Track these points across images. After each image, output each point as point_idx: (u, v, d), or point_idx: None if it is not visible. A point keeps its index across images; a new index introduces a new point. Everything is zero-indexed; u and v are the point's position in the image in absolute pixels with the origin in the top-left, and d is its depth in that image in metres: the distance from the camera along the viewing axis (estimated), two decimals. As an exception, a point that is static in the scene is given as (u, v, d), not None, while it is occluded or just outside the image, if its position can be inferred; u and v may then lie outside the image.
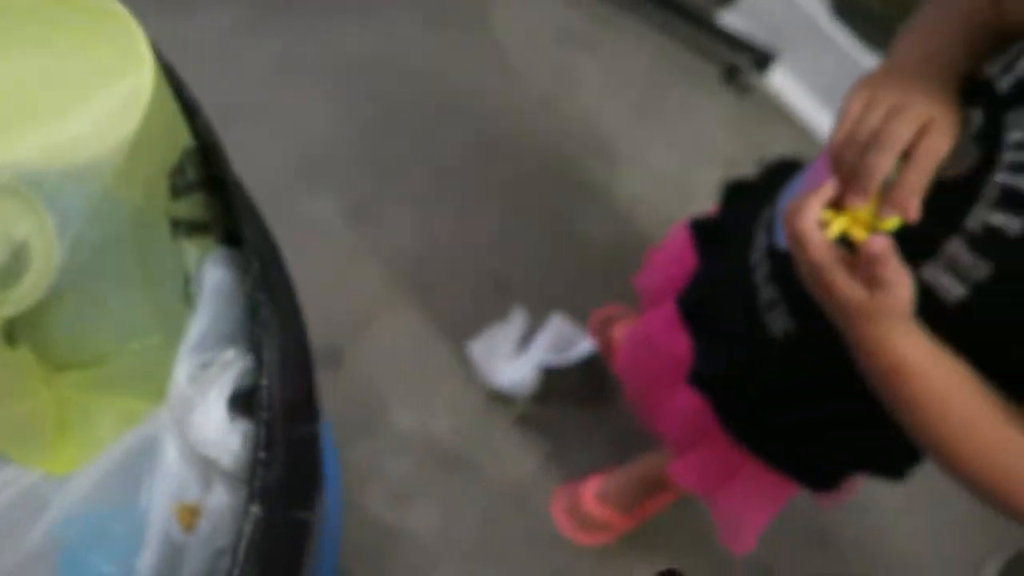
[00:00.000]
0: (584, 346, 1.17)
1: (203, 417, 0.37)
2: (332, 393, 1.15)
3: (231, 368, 0.39)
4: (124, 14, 0.36)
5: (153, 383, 0.41)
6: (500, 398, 1.17)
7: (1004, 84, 0.47)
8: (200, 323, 0.43)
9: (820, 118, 1.52)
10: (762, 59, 1.51)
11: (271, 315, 0.42)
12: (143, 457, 0.41)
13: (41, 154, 0.33)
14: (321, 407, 0.49)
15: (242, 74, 1.35)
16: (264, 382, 0.36)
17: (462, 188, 1.33)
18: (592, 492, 1.08)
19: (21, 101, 0.33)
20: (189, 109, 0.41)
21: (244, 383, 0.39)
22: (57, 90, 0.34)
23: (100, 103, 0.34)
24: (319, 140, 1.32)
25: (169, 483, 0.42)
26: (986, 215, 0.45)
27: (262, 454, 0.35)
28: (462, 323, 1.21)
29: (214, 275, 0.44)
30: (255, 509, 0.34)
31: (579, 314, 1.21)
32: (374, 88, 1.39)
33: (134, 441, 0.41)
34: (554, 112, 1.45)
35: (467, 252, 1.27)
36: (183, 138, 0.40)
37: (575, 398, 1.18)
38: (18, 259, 0.33)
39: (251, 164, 1.31)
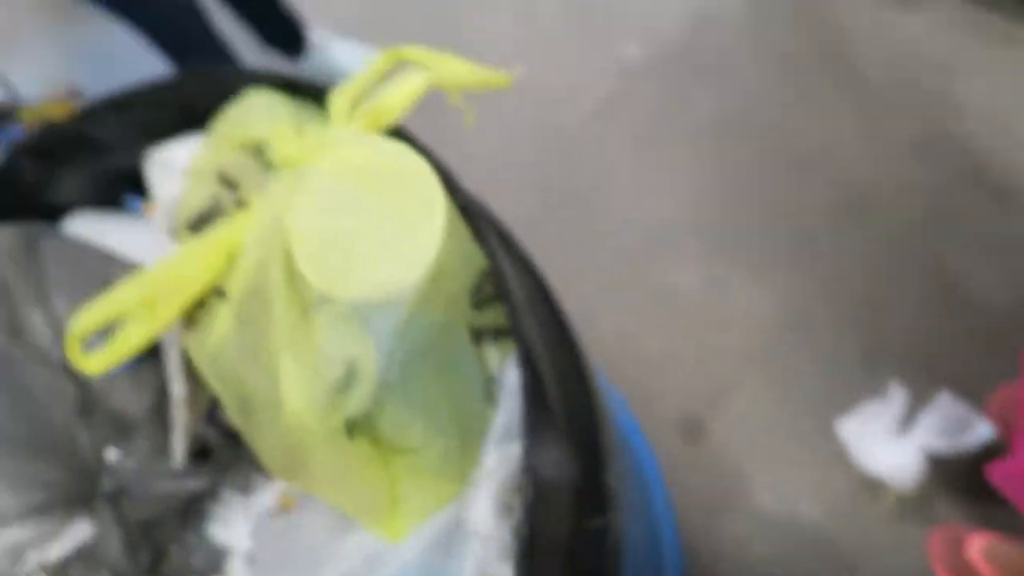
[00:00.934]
0: (982, 431, 1.00)
1: (477, 507, 0.42)
2: (691, 466, 1.15)
3: (510, 461, 0.44)
4: (426, 171, 0.45)
5: (460, 469, 0.48)
6: (876, 485, 1.05)
7: None
8: (503, 417, 0.49)
9: None
10: None
11: (557, 409, 0.46)
12: (454, 531, 0.48)
13: (363, 289, 0.42)
14: (615, 498, 0.52)
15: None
16: (529, 477, 0.41)
17: (826, 249, 1.24)
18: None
19: (349, 247, 0.43)
20: (484, 233, 0.49)
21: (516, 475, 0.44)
22: (373, 235, 0.43)
23: (405, 244, 0.43)
24: (676, 207, 1.35)
25: (475, 554, 0.48)
26: None
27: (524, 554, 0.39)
28: (829, 398, 1.12)
29: (514, 375, 0.50)
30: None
31: (971, 391, 1.03)
32: (727, 149, 1.38)
33: (447, 518, 0.48)
34: (931, 151, 1.28)
35: (834, 319, 1.18)
36: (478, 261, 0.48)
37: (968, 492, 1.00)
38: (351, 373, 0.43)
39: (609, 234, 1.39)
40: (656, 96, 1.50)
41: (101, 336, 0.44)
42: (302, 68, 1.71)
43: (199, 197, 0.51)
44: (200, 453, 0.54)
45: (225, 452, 0.53)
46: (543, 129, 1.49)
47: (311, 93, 0.52)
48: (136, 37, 1.30)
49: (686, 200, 1.36)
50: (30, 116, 0.63)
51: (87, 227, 0.64)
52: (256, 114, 0.50)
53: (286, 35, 1.62)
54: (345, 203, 0.43)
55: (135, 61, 1.40)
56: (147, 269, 0.45)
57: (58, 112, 0.63)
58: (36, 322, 0.44)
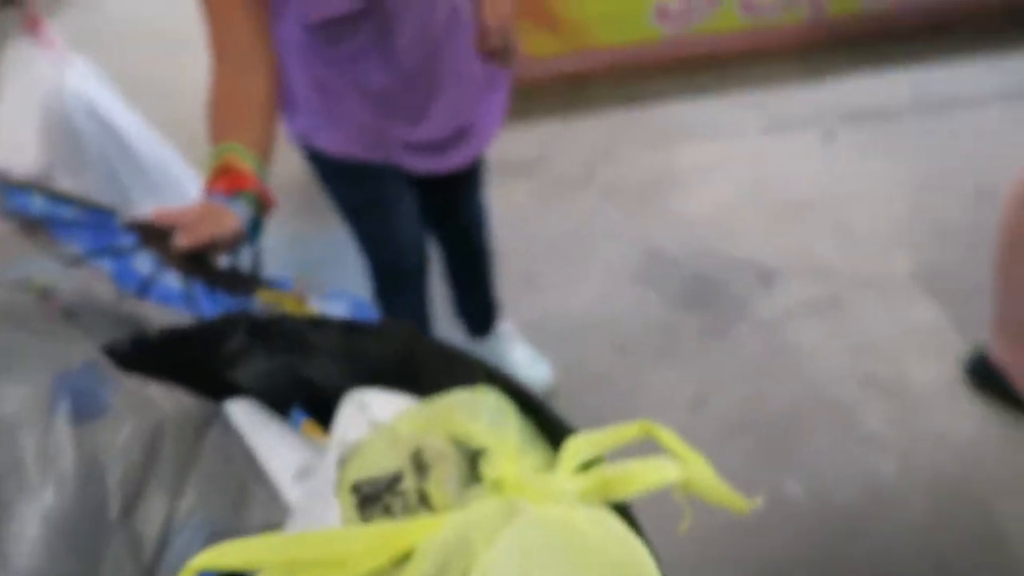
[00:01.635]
0: None
1: None
2: None
3: None
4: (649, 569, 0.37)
5: None
6: None
7: None
8: None
9: None
10: None
11: None
12: None
13: None
14: None
15: None
16: None
17: None
18: None
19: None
20: None
21: None
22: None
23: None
24: None
25: None
26: None
27: None
28: None
29: None
30: None
31: None
32: None
33: None
34: None
35: None
36: None
37: None
38: None
39: None
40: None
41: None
42: (474, 346, 1.76)
43: (382, 463, 0.45)
44: None
45: None
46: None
47: (547, 424, 0.48)
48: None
49: None
50: (266, 297, 0.63)
51: (244, 417, 0.60)
52: (486, 415, 0.46)
53: (482, 315, 1.69)
54: (549, 566, 0.36)
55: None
56: (296, 532, 0.38)
57: (290, 305, 0.63)
58: (152, 507, 0.39)
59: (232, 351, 0.61)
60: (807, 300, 1.89)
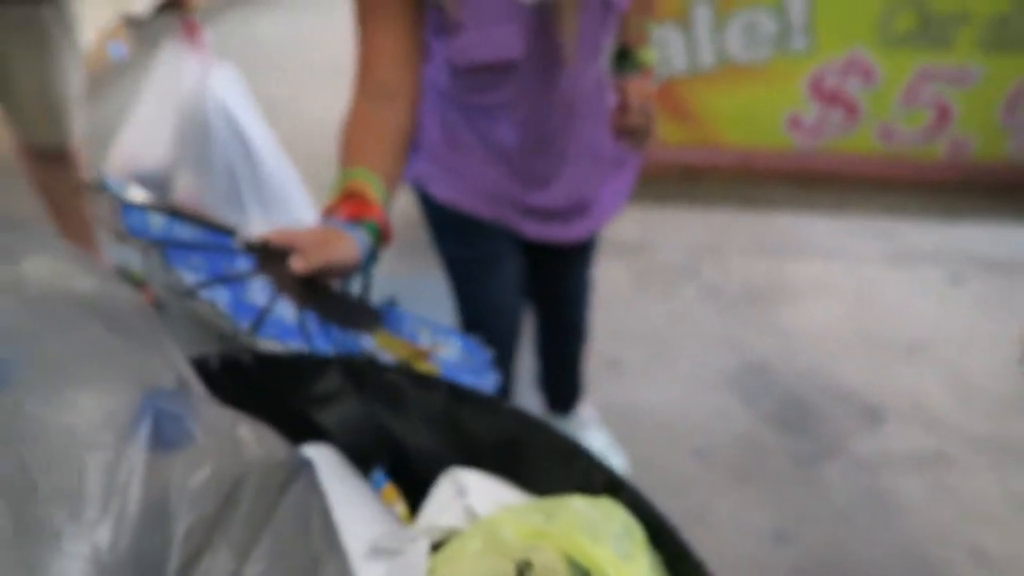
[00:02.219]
0: None
1: None
2: None
3: None
4: None
5: None
6: None
7: None
8: None
9: None
10: None
11: None
12: None
13: None
14: None
15: None
16: None
17: None
18: None
19: None
20: None
21: None
22: None
23: None
24: None
25: None
26: None
27: None
28: None
29: None
30: None
31: None
32: None
33: None
34: None
35: None
36: None
37: None
38: None
39: None
40: None
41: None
42: (552, 419, 1.67)
43: (481, 567, 0.38)
44: None
45: None
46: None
47: (677, 557, 0.40)
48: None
49: None
50: (382, 341, 0.57)
51: (324, 468, 0.54)
52: (612, 539, 0.38)
53: (565, 394, 1.62)
54: None
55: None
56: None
57: (403, 353, 0.57)
58: (215, 570, 0.32)
59: (323, 391, 0.55)
60: (912, 449, 1.73)
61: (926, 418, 1.81)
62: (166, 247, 0.55)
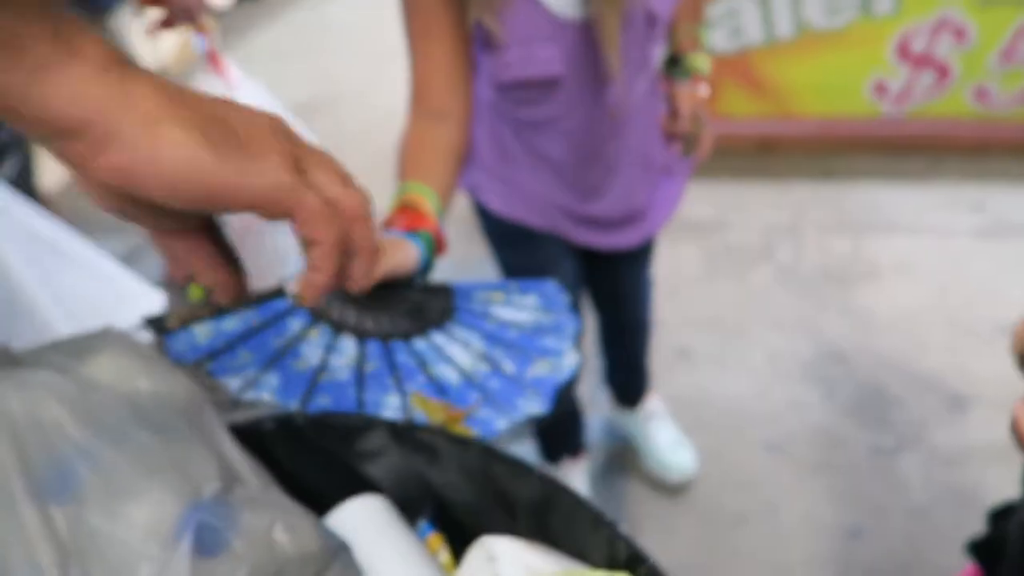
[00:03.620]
0: None
1: None
2: None
3: None
4: None
5: None
6: None
7: None
8: None
9: None
10: None
11: None
12: None
13: None
14: None
15: None
16: None
17: None
18: None
19: None
20: None
21: None
22: None
23: None
24: None
25: None
26: None
27: None
28: None
29: None
30: None
31: None
32: None
33: None
34: None
35: None
36: None
37: None
38: None
39: None
40: None
41: None
42: (620, 416, 1.69)
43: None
44: None
45: None
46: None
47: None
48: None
49: None
50: (416, 400, 0.60)
51: (374, 517, 0.58)
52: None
53: (632, 389, 1.63)
54: None
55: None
56: None
57: (439, 416, 0.60)
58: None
59: (370, 447, 0.59)
60: (996, 440, 1.66)
61: (1010, 408, 1.73)
62: (210, 360, 0.59)
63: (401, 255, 0.71)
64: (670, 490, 1.61)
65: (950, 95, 2.67)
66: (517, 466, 0.54)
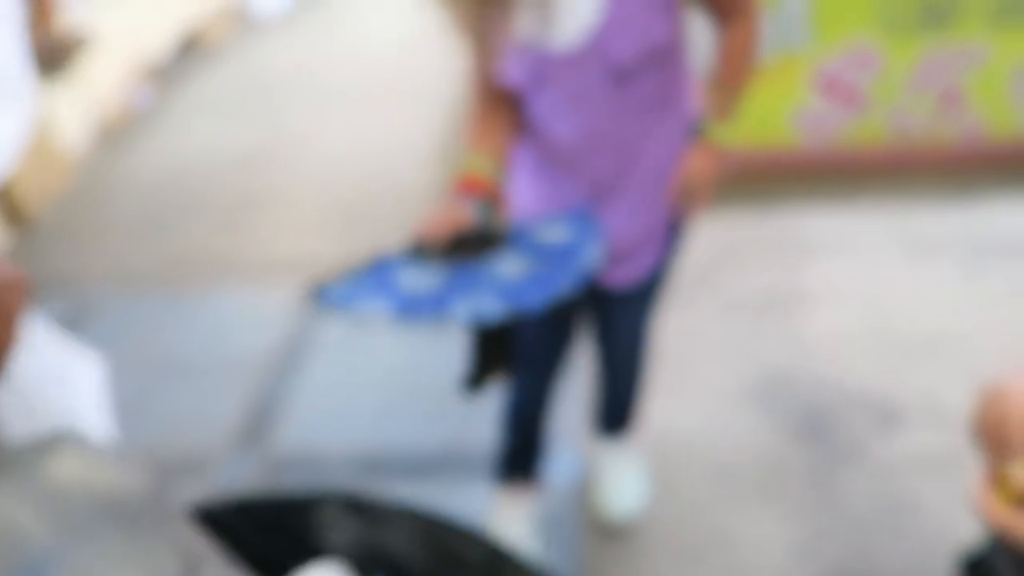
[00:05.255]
0: None
1: None
2: None
3: None
4: None
5: None
6: None
7: None
8: None
9: None
10: None
11: None
12: None
13: None
14: None
15: None
16: None
17: None
18: None
19: None
20: None
21: None
22: None
23: None
24: None
25: None
26: None
27: None
28: None
29: None
30: None
31: None
32: None
33: None
34: None
35: None
36: None
37: None
38: None
39: None
40: None
41: None
42: (595, 443, 1.71)
43: None
44: None
45: None
46: None
47: None
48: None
49: None
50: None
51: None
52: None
53: (610, 423, 1.66)
54: None
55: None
56: None
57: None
58: None
59: (324, 520, 0.62)
60: (931, 452, 1.75)
61: (945, 416, 1.83)
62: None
63: (460, 214, 1.11)
64: (622, 529, 1.64)
65: (867, 121, 2.82)
66: (466, 532, 0.58)
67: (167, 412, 2.01)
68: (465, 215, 1.11)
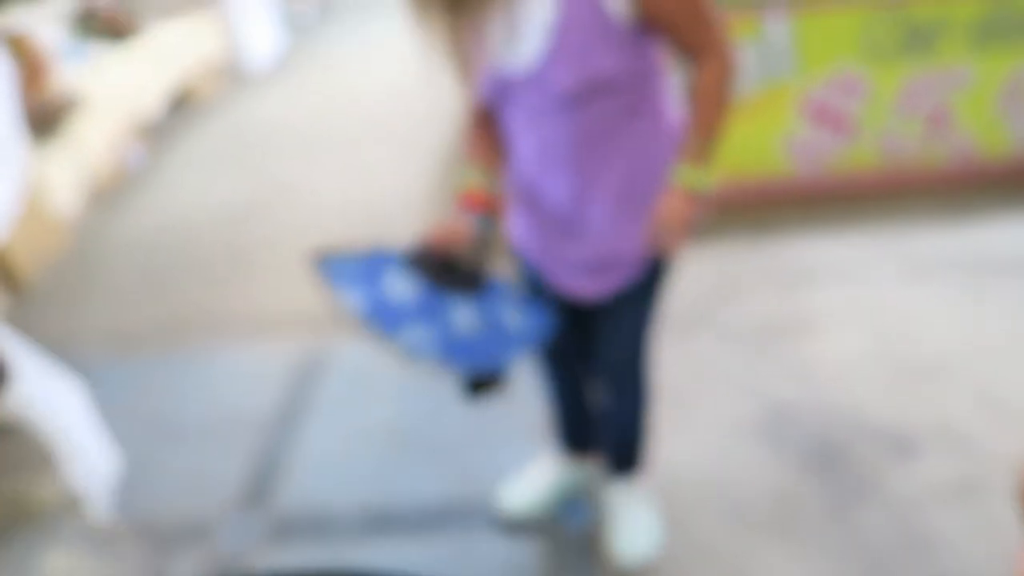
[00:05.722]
0: None
1: None
2: None
3: None
4: None
5: None
6: None
7: None
8: None
9: None
10: None
11: None
12: None
13: None
14: None
15: None
16: None
17: None
18: None
19: None
20: None
21: None
22: None
23: None
24: None
25: None
26: None
27: None
28: None
29: None
30: None
31: None
32: None
33: None
34: None
35: None
36: None
37: None
38: None
39: None
40: None
41: None
42: (602, 485, 1.68)
43: None
44: None
45: None
46: None
47: None
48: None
49: None
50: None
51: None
52: None
53: (610, 456, 1.65)
54: None
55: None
56: None
57: None
58: None
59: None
60: (946, 478, 1.71)
61: (958, 442, 1.79)
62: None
63: (460, 229, 1.20)
64: (636, 574, 1.60)
65: (857, 147, 2.83)
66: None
67: (166, 476, 1.97)
68: (467, 229, 1.21)
